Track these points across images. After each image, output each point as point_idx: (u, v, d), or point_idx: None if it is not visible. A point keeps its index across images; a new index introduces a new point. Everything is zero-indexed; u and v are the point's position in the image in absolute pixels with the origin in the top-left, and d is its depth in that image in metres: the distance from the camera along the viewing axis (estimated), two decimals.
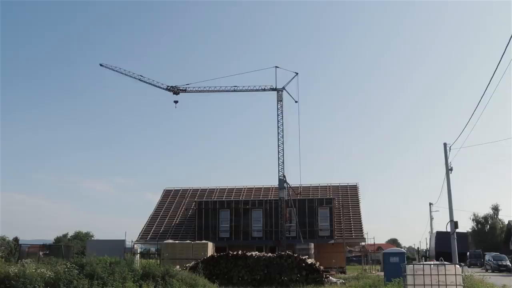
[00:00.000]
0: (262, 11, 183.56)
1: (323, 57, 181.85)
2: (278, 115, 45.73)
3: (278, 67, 46.25)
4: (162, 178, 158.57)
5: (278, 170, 44.96)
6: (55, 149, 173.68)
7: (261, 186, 54.79)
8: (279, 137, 45.39)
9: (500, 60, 16.39)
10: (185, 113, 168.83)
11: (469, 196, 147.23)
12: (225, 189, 55.66)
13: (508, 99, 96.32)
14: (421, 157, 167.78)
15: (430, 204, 64.06)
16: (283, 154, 45.05)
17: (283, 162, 44.93)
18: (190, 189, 56.16)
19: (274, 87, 45.99)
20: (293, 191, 47.81)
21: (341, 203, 49.44)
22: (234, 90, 47.25)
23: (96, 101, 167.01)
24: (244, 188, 54.99)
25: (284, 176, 44.91)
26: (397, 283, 16.84)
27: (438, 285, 12.75)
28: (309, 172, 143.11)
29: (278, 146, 45.24)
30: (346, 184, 54.04)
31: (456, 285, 12.79)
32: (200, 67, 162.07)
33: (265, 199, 49.00)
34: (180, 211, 52.13)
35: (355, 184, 54.10)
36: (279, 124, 45.58)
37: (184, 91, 46.99)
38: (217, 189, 55.80)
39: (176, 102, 47.06)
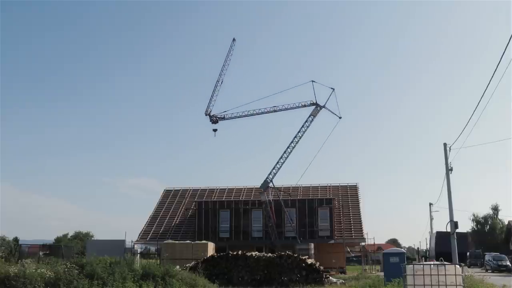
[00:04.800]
0: (260, 12, 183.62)
1: (324, 59, 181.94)
2: (303, 126, 45.11)
3: (314, 81, 45.35)
4: (162, 178, 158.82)
5: (270, 173, 44.87)
6: (55, 149, 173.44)
7: None
8: (292, 144, 44.94)
9: (500, 60, 16.36)
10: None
11: (469, 196, 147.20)
12: (225, 189, 55.69)
13: (508, 99, 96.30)
14: (421, 157, 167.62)
15: (430, 204, 63.92)
16: (286, 157, 44.90)
17: (282, 164, 44.87)
18: (190, 189, 56.21)
19: (314, 102, 45.38)
20: (276, 192, 46.66)
21: (341, 203, 49.48)
22: (274, 111, 46.30)
23: (96, 101, 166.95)
24: (244, 188, 55.00)
25: (271, 180, 44.72)
26: (397, 283, 16.84)
27: (438, 285, 12.73)
28: (309, 172, 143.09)
29: (285, 152, 44.92)
30: (346, 184, 54.09)
31: (456, 285, 12.77)
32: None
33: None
34: (180, 211, 52.17)
35: (355, 184, 54.24)
36: (299, 134, 45.10)
37: (223, 118, 46.33)
38: (217, 189, 55.85)
39: (215, 130, 46.33)
